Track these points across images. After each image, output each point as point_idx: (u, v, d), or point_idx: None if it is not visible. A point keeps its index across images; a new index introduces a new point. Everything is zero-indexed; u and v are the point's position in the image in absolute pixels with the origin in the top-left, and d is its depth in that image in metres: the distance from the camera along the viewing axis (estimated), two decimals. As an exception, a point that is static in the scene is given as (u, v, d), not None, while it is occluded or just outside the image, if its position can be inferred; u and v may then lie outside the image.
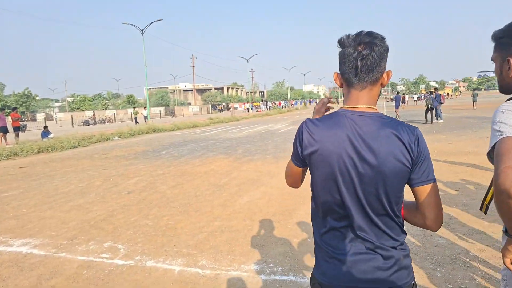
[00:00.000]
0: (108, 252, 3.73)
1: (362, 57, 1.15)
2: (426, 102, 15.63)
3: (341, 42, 1.21)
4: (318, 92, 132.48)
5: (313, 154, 1.19)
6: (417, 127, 1.18)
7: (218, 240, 3.91)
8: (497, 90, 1.53)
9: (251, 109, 49.62)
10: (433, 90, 16.32)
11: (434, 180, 1.16)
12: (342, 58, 1.20)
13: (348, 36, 1.20)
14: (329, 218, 1.22)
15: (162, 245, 3.85)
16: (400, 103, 38.24)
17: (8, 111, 18.47)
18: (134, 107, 32.04)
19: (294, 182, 1.38)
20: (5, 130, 15.42)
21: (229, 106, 69.36)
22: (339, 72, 1.27)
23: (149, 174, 7.83)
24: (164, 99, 74.02)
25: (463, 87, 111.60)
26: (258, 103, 65.95)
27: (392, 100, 73.49)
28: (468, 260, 3.09)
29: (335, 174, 1.16)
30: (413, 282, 1.20)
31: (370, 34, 1.17)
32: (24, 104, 60.92)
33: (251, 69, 55.03)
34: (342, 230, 1.20)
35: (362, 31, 1.19)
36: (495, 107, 1.24)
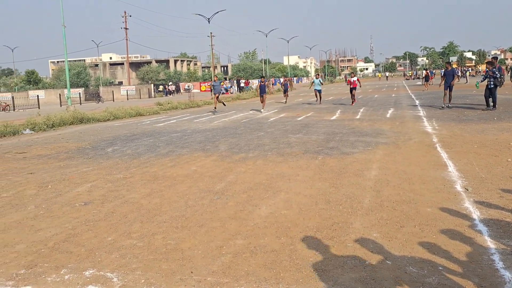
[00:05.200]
0: (95, 283, 3.64)
1: None
2: (489, 79, 15.82)
3: None
4: (305, 66, 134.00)
5: None
6: None
7: (252, 263, 3.92)
8: None
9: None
10: (492, 61, 16.48)
11: None
12: None
13: None
14: None
15: (172, 272, 3.81)
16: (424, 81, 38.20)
17: None
18: None
19: None
20: None
21: (179, 86, 68.58)
22: None
23: (104, 179, 7.67)
24: (82, 76, 71.80)
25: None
26: (223, 82, 65.72)
27: (417, 77, 74.45)
28: None
29: None
30: None
31: None
32: None
33: (211, 33, 54.28)
34: None
35: None
36: None
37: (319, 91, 25.75)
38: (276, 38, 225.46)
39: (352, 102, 23.15)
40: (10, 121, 18.86)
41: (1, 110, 36.66)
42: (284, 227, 4.84)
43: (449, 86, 17.90)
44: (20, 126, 16.90)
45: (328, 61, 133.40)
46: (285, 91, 29.64)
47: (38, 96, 40.48)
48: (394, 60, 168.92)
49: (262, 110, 22.02)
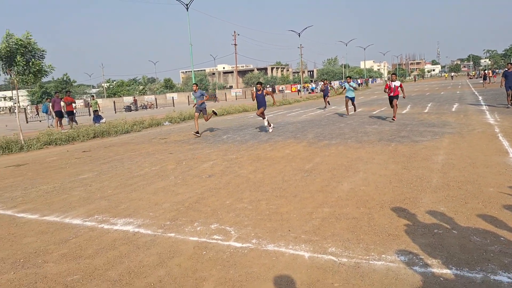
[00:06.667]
0: (218, 234, 3.89)
1: None
2: None
3: None
4: (379, 69, 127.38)
5: None
6: None
7: (337, 227, 3.90)
8: None
9: (302, 90, 49.07)
10: None
11: None
12: None
13: None
14: None
15: (274, 229, 3.93)
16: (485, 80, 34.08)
17: (61, 95, 19.70)
18: (93, 96, 24.72)
19: None
20: (60, 115, 16.67)
21: (275, 88, 69.12)
22: None
23: (221, 159, 8.05)
24: (203, 82, 75.66)
25: None
26: (308, 84, 64.96)
27: (480, 76, 66.51)
28: None
29: None
30: None
31: None
32: (63, 90, 65.62)
33: (300, 44, 53.74)
34: None
35: None
36: None
37: (352, 99, 15.62)
38: (354, 46, 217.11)
39: (394, 116, 12.99)
40: (154, 116, 20.55)
41: (148, 108, 40.04)
42: (363, 200, 4.73)
43: (510, 87, 14.64)
44: (161, 119, 18.43)
45: (399, 64, 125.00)
46: (325, 96, 22.12)
47: (173, 97, 43.63)
48: (458, 62, 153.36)
49: (270, 130, 12.14)
